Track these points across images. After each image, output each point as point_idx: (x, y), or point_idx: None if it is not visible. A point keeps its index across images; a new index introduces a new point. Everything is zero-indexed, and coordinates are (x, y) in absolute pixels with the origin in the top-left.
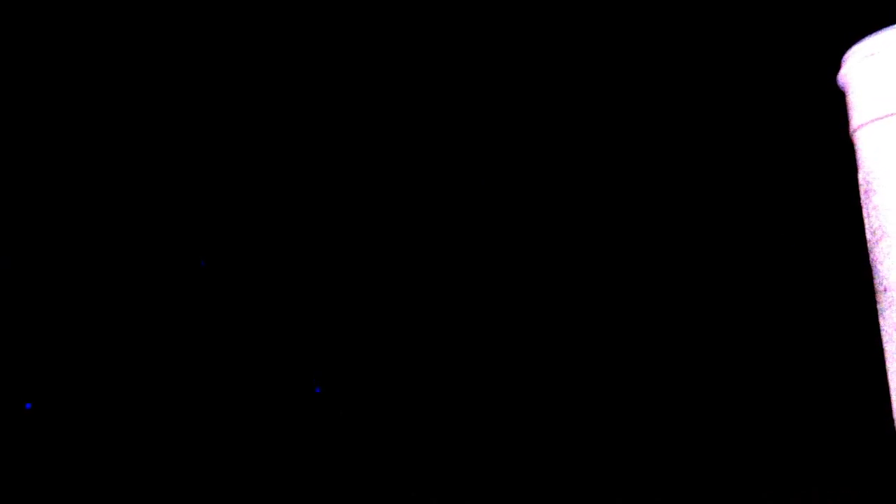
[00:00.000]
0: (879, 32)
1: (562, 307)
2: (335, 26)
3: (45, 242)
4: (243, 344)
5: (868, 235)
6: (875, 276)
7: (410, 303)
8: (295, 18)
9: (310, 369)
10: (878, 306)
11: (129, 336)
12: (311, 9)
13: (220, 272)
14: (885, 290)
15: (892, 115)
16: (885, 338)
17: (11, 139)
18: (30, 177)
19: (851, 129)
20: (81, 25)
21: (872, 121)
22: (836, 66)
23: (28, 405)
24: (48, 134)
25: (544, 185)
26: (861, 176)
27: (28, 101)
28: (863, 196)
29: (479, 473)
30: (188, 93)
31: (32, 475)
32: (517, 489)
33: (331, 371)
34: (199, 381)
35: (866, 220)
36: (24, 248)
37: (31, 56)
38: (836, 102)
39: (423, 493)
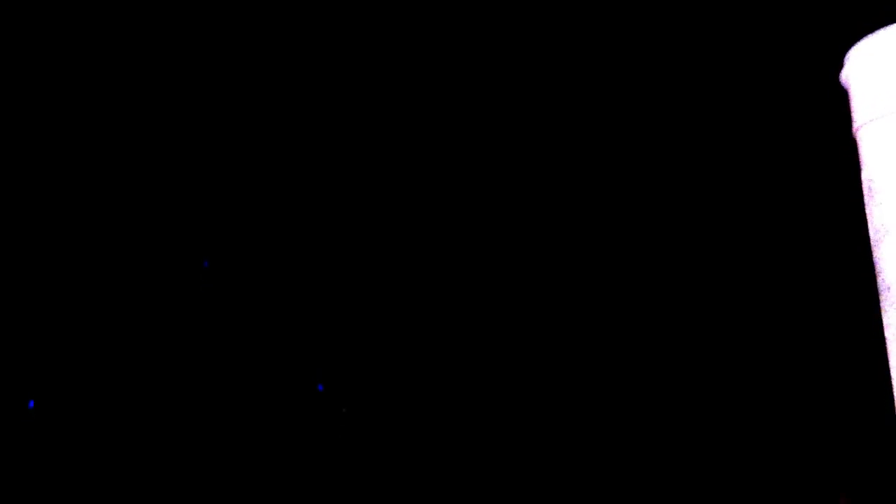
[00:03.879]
0: (882, 31)
1: (565, 302)
2: (339, 28)
3: (48, 242)
4: (250, 344)
5: (871, 234)
6: (878, 274)
7: (411, 303)
8: (296, 19)
9: (313, 369)
10: (882, 304)
11: (133, 335)
12: (311, 9)
13: (224, 273)
14: (889, 288)
15: (893, 113)
16: (889, 336)
17: (13, 141)
18: (32, 177)
19: (854, 128)
20: (82, 26)
21: (874, 119)
22: (840, 64)
23: (31, 403)
24: (51, 135)
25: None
26: (864, 175)
27: (31, 102)
28: (866, 195)
29: (477, 470)
30: (191, 94)
31: (37, 472)
32: (516, 486)
33: (333, 370)
34: (207, 378)
35: (869, 219)
36: (26, 248)
37: (34, 57)
38: (842, 101)
39: (422, 487)
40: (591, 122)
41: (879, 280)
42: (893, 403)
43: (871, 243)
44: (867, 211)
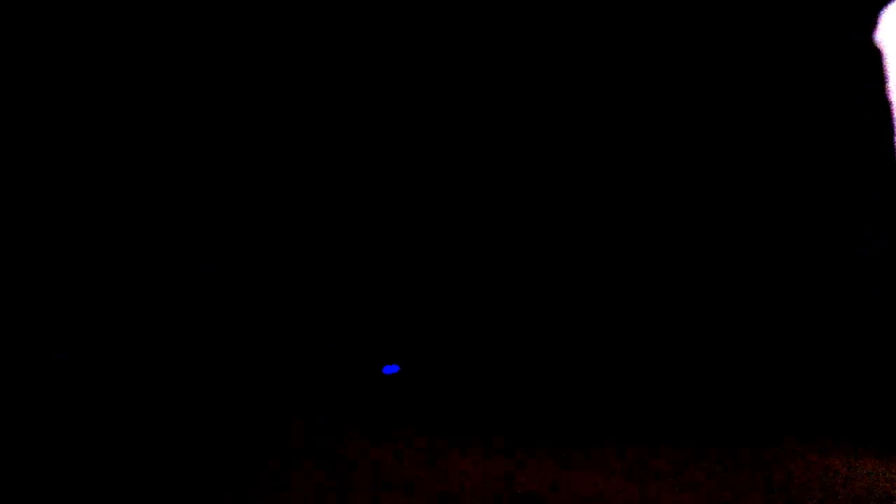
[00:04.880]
0: None
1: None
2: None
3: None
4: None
5: None
6: None
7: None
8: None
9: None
10: None
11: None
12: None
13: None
14: None
15: None
16: None
17: (15, 140)
18: (35, 175)
19: (888, 92)
20: (83, 26)
21: None
22: (875, 23)
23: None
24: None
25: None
26: None
27: (31, 101)
28: None
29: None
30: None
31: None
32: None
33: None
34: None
35: None
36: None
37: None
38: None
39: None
40: (623, 81)
41: None
42: None
43: None
44: None
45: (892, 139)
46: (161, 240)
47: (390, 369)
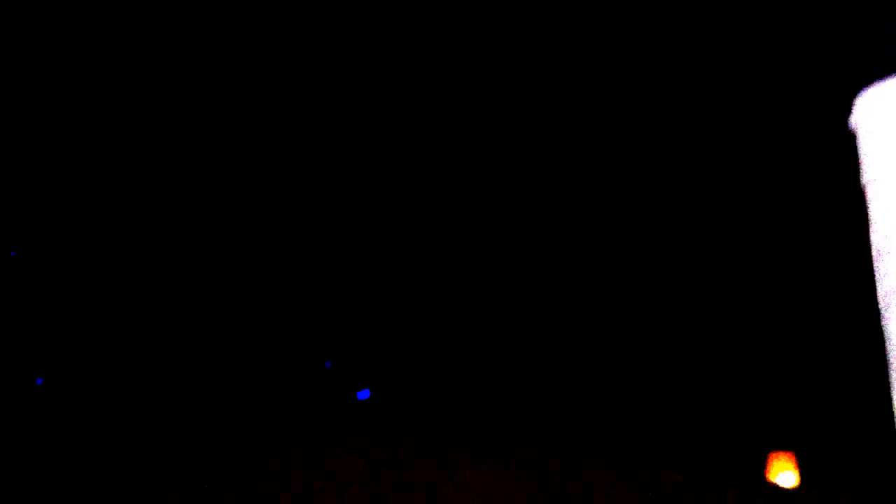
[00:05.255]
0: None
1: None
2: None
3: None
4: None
5: (880, 303)
6: (887, 342)
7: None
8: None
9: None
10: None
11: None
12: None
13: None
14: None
15: None
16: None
17: (15, 140)
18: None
19: (863, 182)
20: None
21: (883, 175)
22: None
23: (39, 380)
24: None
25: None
26: (874, 237)
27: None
28: (875, 258)
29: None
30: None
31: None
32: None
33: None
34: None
35: (878, 285)
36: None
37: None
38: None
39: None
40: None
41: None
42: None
43: (881, 314)
44: (876, 278)
45: (866, 221)
46: (161, 240)
47: (363, 395)
